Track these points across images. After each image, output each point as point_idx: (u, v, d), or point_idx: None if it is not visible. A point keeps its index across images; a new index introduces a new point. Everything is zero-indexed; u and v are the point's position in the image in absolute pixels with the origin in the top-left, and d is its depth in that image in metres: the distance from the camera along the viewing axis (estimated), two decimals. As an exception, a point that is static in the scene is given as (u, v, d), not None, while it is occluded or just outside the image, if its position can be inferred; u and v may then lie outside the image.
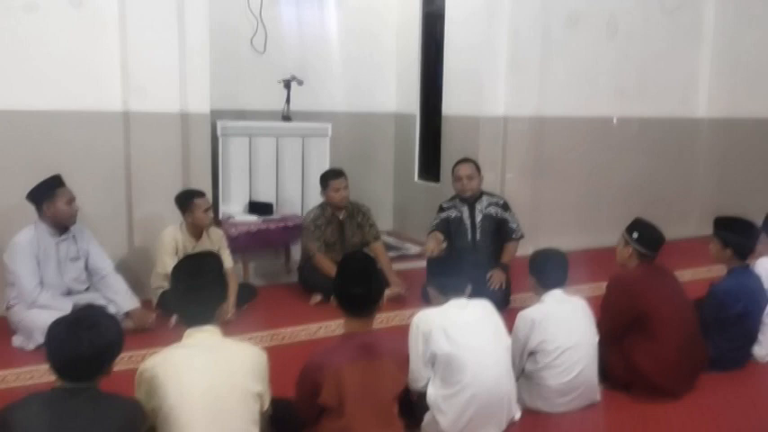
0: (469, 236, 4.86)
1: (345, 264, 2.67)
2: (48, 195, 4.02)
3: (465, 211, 4.89)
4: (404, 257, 6.16)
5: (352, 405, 2.42)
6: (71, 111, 4.56)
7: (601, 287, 3.72)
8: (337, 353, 2.51)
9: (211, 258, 2.55)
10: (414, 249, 6.34)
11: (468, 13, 6.12)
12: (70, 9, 4.53)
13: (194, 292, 2.36)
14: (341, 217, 5.00)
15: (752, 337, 3.78)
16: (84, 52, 4.58)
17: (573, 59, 6.36)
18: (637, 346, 3.33)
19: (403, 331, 3.03)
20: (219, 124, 5.31)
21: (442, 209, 4.98)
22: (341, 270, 2.63)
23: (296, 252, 5.47)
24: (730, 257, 3.74)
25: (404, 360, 2.67)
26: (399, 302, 4.78)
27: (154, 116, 4.75)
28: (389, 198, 7.43)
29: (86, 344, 2.04)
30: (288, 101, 5.78)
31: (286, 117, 5.78)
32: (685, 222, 6.89)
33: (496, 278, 4.66)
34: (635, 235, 3.48)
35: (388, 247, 6.46)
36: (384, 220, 7.26)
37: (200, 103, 4.90)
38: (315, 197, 5.32)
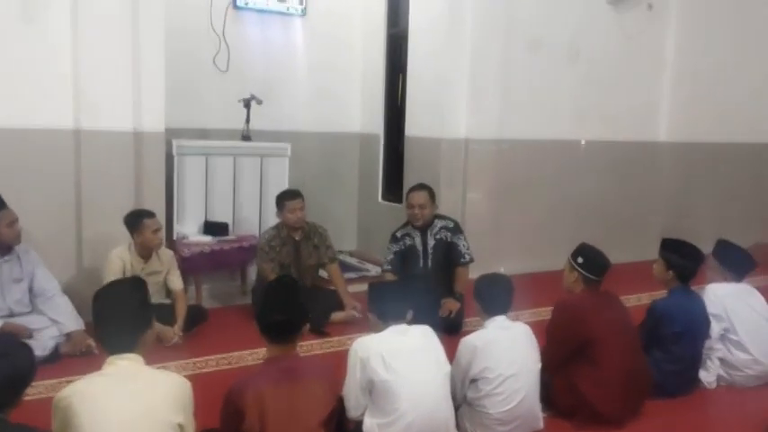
0: (421, 263, 4.85)
1: (268, 290, 2.63)
2: None
3: (418, 237, 4.87)
4: (365, 278, 6.11)
5: (275, 430, 2.36)
6: (19, 128, 4.47)
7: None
8: (259, 378, 2.46)
9: (135, 284, 2.47)
10: (375, 271, 6.30)
11: (430, 35, 6.16)
12: (21, 24, 4.46)
13: (116, 319, 2.28)
14: (297, 238, 4.95)
15: (695, 361, 3.79)
16: (34, 68, 4.49)
17: (534, 83, 6.40)
18: (581, 373, 3.32)
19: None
20: (175, 143, 5.26)
21: (395, 238, 4.93)
22: (264, 296, 2.60)
23: (252, 273, 5.41)
24: (672, 279, 3.79)
25: (331, 382, 2.61)
26: (354, 325, 4.73)
27: (106, 134, 4.68)
28: (354, 218, 7.40)
29: (-5, 373, 1.96)
30: (247, 120, 5.75)
31: (246, 136, 5.74)
32: (646, 245, 6.91)
33: (447, 306, 4.65)
34: (580, 260, 3.48)
35: (350, 268, 6.44)
36: (348, 240, 7.25)
37: (155, 122, 4.83)
38: (273, 217, 5.27)
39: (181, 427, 2.27)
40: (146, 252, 4.37)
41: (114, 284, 2.52)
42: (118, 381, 2.23)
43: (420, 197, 4.83)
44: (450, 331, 4.40)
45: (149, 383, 2.27)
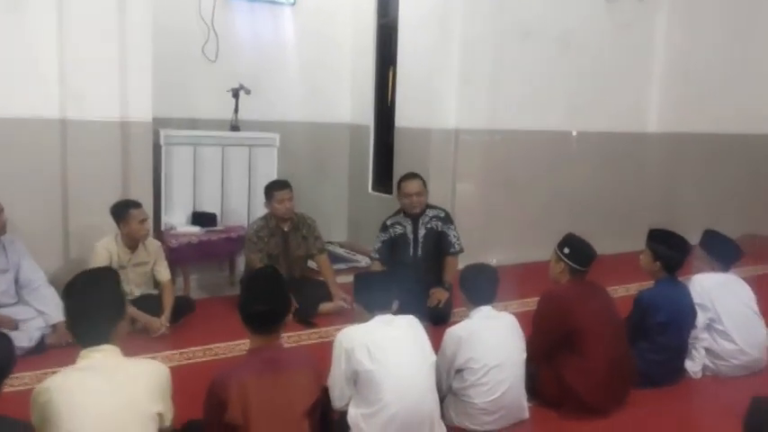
0: (411, 251, 4.86)
1: (250, 280, 2.61)
2: None
3: (409, 225, 4.88)
4: (355, 269, 6.09)
5: (258, 421, 2.34)
6: (4, 117, 4.44)
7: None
8: (242, 369, 2.44)
9: (106, 274, 2.44)
10: (365, 262, 6.29)
11: (421, 25, 6.14)
12: (4, 12, 4.42)
13: (87, 310, 2.24)
14: (285, 229, 4.94)
15: (680, 351, 3.80)
16: (19, 57, 4.48)
17: (525, 74, 6.37)
18: (566, 363, 3.32)
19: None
20: (162, 133, 5.22)
21: (385, 227, 4.94)
22: (246, 287, 2.58)
23: (241, 264, 5.39)
24: (659, 270, 3.79)
25: (315, 372, 2.59)
26: (343, 316, 4.73)
27: (92, 124, 4.67)
28: (344, 209, 7.39)
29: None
30: (236, 110, 5.72)
31: (234, 126, 5.71)
32: (636, 235, 6.90)
33: (436, 296, 4.66)
34: (566, 250, 3.48)
35: (341, 259, 6.43)
36: (338, 231, 7.24)
37: (142, 111, 4.81)
38: (261, 208, 5.24)
39: (160, 415, 2.26)
40: (132, 243, 4.35)
41: (85, 275, 2.43)
42: (97, 374, 2.20)
43: (415, 185, 4.85)
44: (438, 321, 4.41)
45: (129, 376, 2.24)
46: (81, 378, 2.19)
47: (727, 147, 7.65)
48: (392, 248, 4.90)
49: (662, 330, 3.69)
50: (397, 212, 4.97)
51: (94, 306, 2.25)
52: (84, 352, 2.25)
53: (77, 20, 4.53)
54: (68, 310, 2.30)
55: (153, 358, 3.55)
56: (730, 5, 7.35)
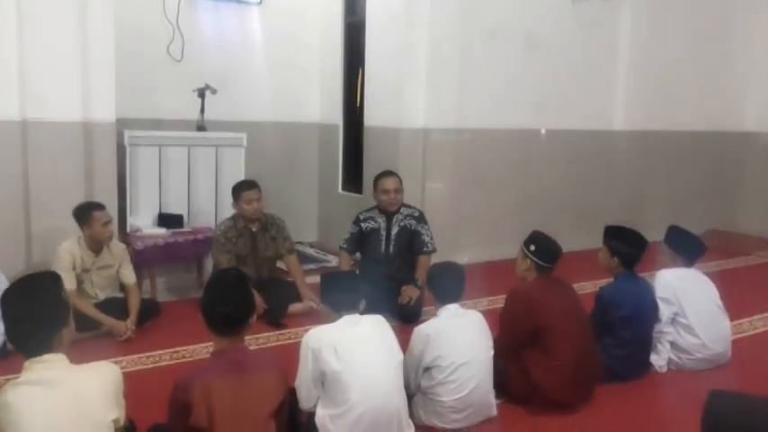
0: (383, 247, 4.88)
1: (213, 282, 2.59)
2: None
3: (382, 222, 4.90)
4: (325, 269, 6.06)
5: (223, 424, 2.32)
6: (-39, 119, 4.34)
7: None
8: (206, 371, 2.41)
9: (47, 279, 2.31)
10: (336, 262, 6.26)
11: (388, 24, 6.13)
12: (-40, 11, 4.32)
13: (26, 318, 2.14)
14: (254, 229, 4.89)
15: (644, 345, 3.85)
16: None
17: (493, 73, 6.41)
18: (534, 360, 3.35)
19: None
20: (127, 133, 5.14)
21: (357, 220, 4.98)
22: (208, 288, 2.56)
23: (209, 265, 5.33)
24: (617, 266, 3.84)
25: (280, 373, 2.56)
26: (312, 316, 4.71)
27: (54, 125, 4.57)
28: (314, 209, 7.35)
29: None
30: (202, 110, 5.65)
31: (200, 127, 5.64)
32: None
33: (407, 293, 4.67)
34: (532, 248, 3.50)
35: (311, 259, 6.41)
36: (308, 231, 7.20)
37: (105, 112, 4.73)
38: (229, 209, 5.19)
39: (115, 421, 2.21)
40: (96, 245, 4.27)
41: (24, 281, 2.28)
42: (40, 390, 2.10)
43: (393, 182, 4.90)
44: (408, 319, 4.42)
45: (75, 385, 2.15)
46: (34, 393, 2.10)
47: (693, 144, 7.78)
48: (363, 243, 4.94)
49: (625, 325, 3.73)
50: (372, 208, 4.99)
51: (35, 314, 2.15)
52: (27, 363, 2.15)
53: (37, 18, 4.43)
54: (7, 320, 2.19)
55: (118, 362, 3.51)
56: (693, 4, 7.47)
